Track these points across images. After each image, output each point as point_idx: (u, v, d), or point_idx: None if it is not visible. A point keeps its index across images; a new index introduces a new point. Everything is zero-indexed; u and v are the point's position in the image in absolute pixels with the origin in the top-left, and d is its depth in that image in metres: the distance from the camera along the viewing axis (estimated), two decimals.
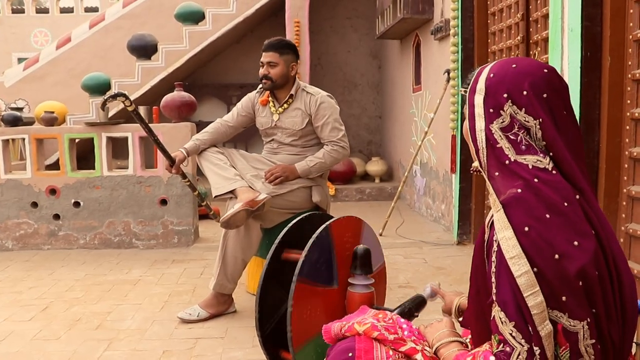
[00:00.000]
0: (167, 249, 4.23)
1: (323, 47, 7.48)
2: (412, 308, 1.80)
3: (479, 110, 1.09)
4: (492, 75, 1.09)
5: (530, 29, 3.40)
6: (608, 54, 2.55)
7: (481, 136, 1.08)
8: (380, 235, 4.37)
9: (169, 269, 3.71)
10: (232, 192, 2.80)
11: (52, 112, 4.48)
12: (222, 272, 2.79)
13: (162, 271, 3.65)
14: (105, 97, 2.69)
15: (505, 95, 1.05)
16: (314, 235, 1.90)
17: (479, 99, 1.09)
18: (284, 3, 6.07)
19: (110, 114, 5.48)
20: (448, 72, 4.22)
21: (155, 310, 2.92)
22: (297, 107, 3.01)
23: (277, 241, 2.06)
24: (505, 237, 0.98)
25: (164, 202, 4.23)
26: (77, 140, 4.33)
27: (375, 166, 6.73)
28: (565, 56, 2.78)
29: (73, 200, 4.24)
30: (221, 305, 2.84)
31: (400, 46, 6.27)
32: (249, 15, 6.08)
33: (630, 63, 2.50)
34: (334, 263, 1.94)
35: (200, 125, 4.38)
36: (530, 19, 3.39)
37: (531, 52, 3.39)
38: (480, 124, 1.08)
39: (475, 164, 1.17)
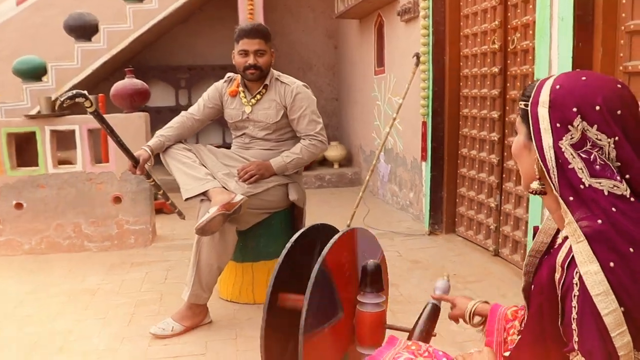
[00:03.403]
0: (123, 250, 3.90)
1: (277, 27, 7.13)
2: (430, 329, 1.67)
3: (545, 124, 0.98)
4: (558, 86, 0.98)
5: (509, 14, 3.30)
6: (600, 44, 2.49)
7: (550, 154, 0.97)
8: (348, 226, 4.22)
9: (128, 274, 3.41)
10: (204, 193, 2.58)
11: None
12: (196, 281, 2.58)
13: (121, 277, 3.35)
14: (62, 99, 2.36)
15: (574, 110, 0.95)
16: (311, 280, 1.63)
17: (543, 112, 0.98)
18: None
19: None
20: (418, 55, 4.07)
21: (123, 325, 2.65)
22: (271, 99, 2.81)
23: (270, 284, 1.78)
24: (590, 272, 0.89)
25: (117, 199, 3.88)
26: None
27: (334, 151, 6.52)
28: (554, 45, 2.70)
29: (15, 202, 3.81)
30: (197, 317, 2.62)
31: (359, 26, 6.06)
32: None
33: (622, 55, 2.44)
34: (336, 293, 1.74)
35: (147, 112, 4.02)
36: (509, 3, 3.29)
37: (509, 37, 3.29)
38: (547, 140, 0.97)
39: (534, 184, 1.04)
